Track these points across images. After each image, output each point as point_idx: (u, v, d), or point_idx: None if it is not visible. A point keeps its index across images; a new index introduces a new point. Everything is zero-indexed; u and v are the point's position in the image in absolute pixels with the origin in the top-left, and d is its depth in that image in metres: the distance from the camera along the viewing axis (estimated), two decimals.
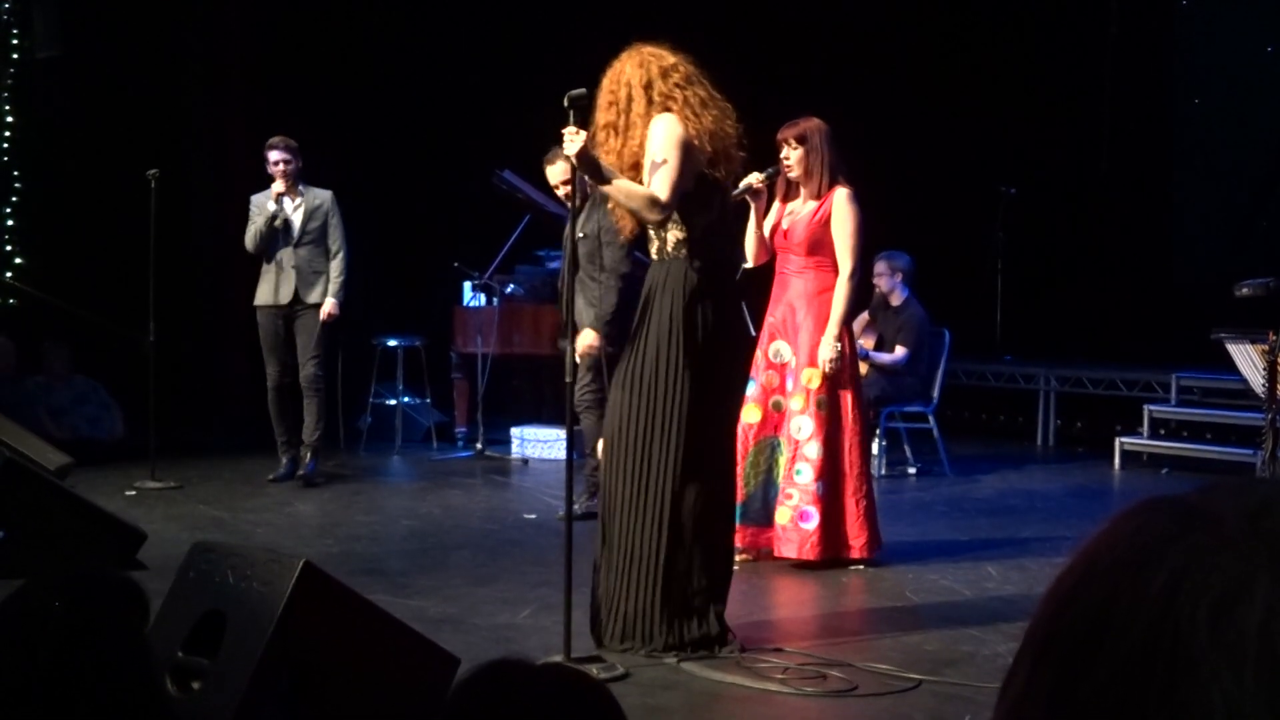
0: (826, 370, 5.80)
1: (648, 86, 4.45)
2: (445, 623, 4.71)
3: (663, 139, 4.38)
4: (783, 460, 5.89)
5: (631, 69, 4.51)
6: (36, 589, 2.10)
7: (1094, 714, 0.60)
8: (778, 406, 5.93)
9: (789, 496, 5.82)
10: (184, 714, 2.99)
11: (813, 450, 5.80)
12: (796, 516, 5.80)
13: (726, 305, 4.53)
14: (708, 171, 4.48)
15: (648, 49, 4.56)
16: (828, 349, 5.79)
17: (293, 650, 3.04)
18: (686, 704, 3.95)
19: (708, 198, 4.49)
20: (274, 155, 7.96)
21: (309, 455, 8.06)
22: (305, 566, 3.11)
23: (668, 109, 4.43)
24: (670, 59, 4.53)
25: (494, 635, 4.63)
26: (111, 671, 2.02)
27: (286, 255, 7.98)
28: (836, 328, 5.82)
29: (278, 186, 7.92)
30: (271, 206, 7.90)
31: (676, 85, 4.47)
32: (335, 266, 8.08)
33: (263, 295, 8.04)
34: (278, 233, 7.94)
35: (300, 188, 8.04)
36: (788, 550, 5.81)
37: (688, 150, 4.38)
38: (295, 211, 8.02)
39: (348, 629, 3.23)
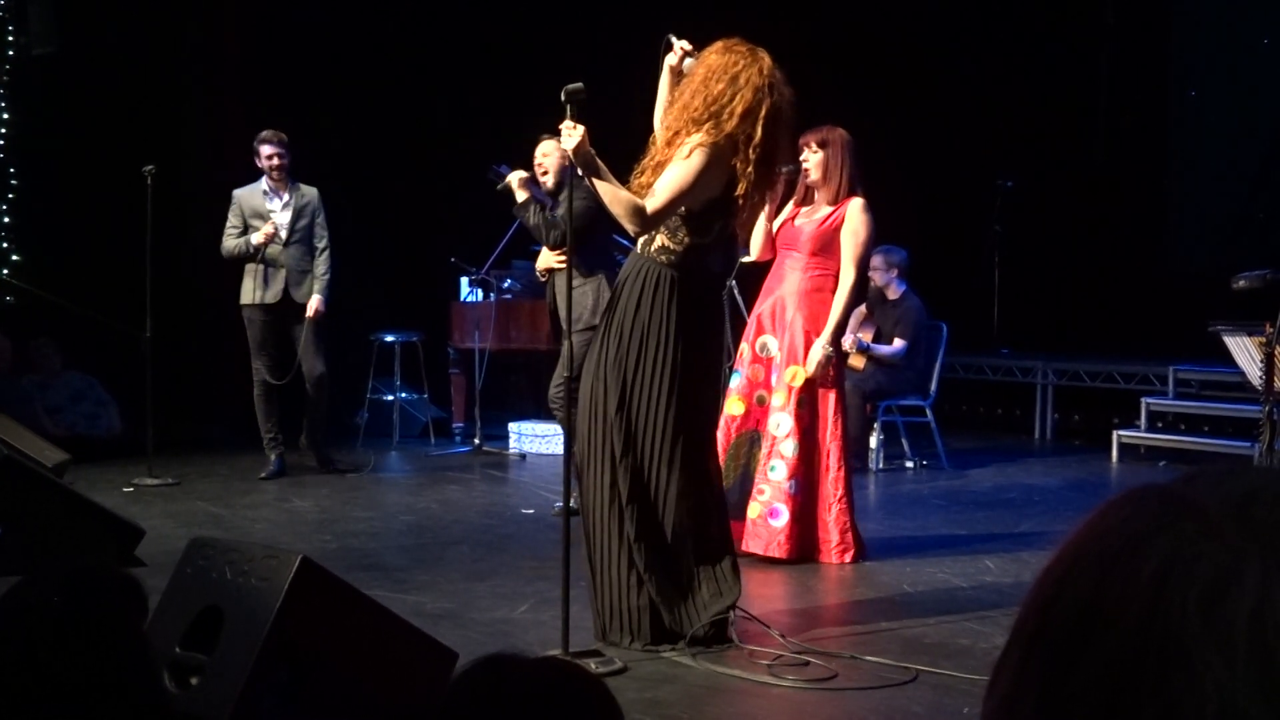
0: (812, 373, 5.78)
1: (746, 116, 4.27)
2: (443, 618, 4.71)
3: (694, 161, 4.27)
4: (760, 455, 5.89)
5: (749, 85, 4.29)
6: (35, 585, 2.10)
7: (1086, 706, 0.60)
8: (761, 401, 5.93)
9: (761, 492, 5.80)
10: (182, 710, 2.99)
11: (789, 448, 5.77)
12: (766, 513, 5.77)
13: (696, 307, 4.42)
14: (725, 217, 4.38)
15: (770, 69, 4.33)
16: (818, 352, 5.77)
17: (290, 645, 3.04)
18: (685, 697, 3.95)
19: (709, 225, 4.39)
20: (267, 150, 7.87)
21: (315, 452, 8.16)
22: (303, 562, 3.12)
23: (738, 149, 4.28)
24: (783, 97, 4.33)
25: (491, 630, 4.63)
26: (110, 667, 2.03)
27: (275, 255, 7.94)
28: (830, 334, 5.80)
29: (262, 187, 7.87)
30: (256, 239, 7.84)
31: (766, 140, 4.28)
32: (320, 264, 8.02)
33: (250, 294, 7.98)
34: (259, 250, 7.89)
35: (289, 184, 7.98)
36: (754, 546, 5.75)
37: (707, 182, 4.28)
38: (284, 211, 7.94)
39: (345, 624, 3.23)
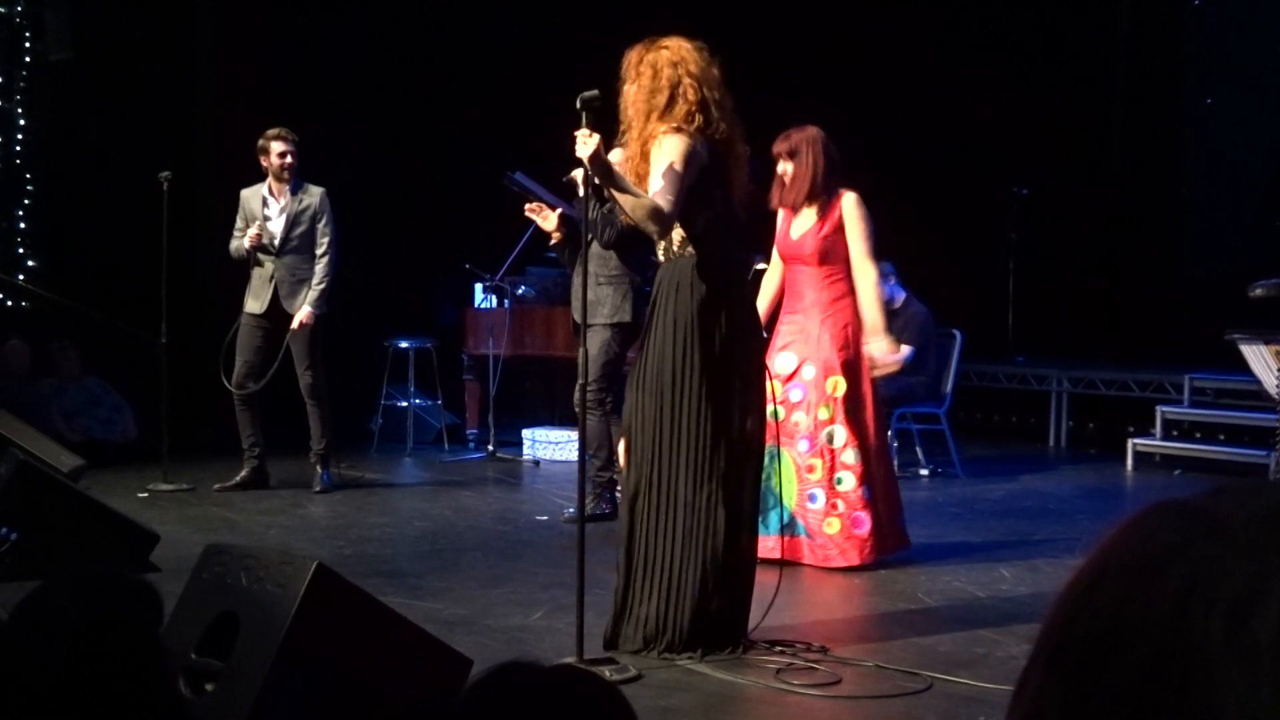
0: (886, 366, 5.80)
1: (678, 89, 4.44)
2: (458, 624, 4.72)
3: (674, 148, 4.37)
4: (782, 472, 5.88)
5: (668, 68, 4.48)
6: (51, 591, 2.11)
7: None
8: (774, 415, 5.91)
9: (834, 507, 5.83)
10: (198, 716, 3.00)
11: (850, 457, 5.83)
12: (849, 525, 5.81)
13: (735, 302, 4.50)
14: (717, 184, 4.47)
15: (688, 45, 4.52)
16: (882, 345, 5.75)
17: (306, 652, 3.04)
18: (700, 705, 3.94)
19: (709, 194, 4.46)
20: (279, 147, 7.58)
21: (319, 467, 7.85)
22: (318, 568, 3.12)
23: (693, 119, 4.41)
24: (706, 60, 4.51)
25: (506, 637, 4.63)
26: (126, 673, 2.03)
27: (267, 264, 7.67)
28: (881, 324, 5.77)
29: (264, 190, 7.62)
30: (245, 243, 7.56)
31: (703, 95, 4.45)
32: (317, 271, 7.66)
33: (247, 302, 7.77)
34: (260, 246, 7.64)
35: (292, 185, 7.65)
36: (848, 560, 5.78)
37: (694, 161, 4.38)
38: (279, 218, 7.65)
39: (360, 631, 3.23)
